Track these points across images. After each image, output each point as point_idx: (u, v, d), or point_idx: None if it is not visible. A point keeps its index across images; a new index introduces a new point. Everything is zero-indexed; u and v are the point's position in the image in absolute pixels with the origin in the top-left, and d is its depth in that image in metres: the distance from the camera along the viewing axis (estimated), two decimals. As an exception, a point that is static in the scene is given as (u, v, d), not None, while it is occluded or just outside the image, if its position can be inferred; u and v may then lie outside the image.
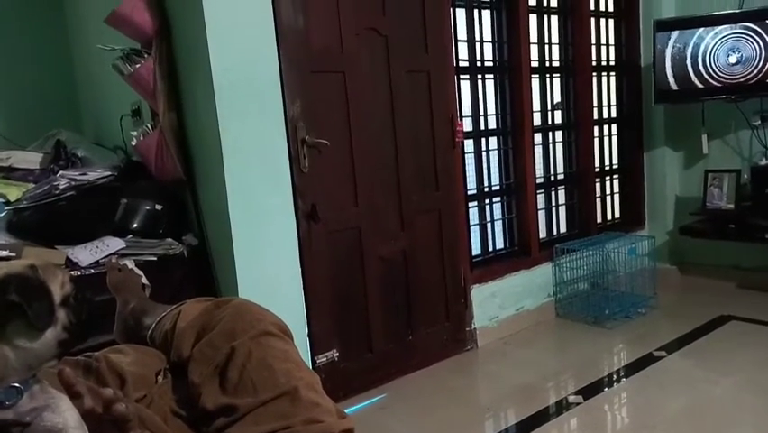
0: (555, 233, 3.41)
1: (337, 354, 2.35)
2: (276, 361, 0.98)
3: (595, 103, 3.52)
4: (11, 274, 0.79)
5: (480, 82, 2.99)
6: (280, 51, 2.12)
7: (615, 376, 2.52)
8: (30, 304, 0.78)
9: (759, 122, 3.30)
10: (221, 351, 1.00)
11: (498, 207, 3.13)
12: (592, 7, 3.44)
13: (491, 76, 3.05)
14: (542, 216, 3.30)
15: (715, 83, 3.22)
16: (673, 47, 3.28)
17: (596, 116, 3.54)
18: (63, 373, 0.77)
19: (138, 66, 2.12)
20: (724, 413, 2.12)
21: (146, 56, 2.13)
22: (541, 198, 3.30)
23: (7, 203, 2.24)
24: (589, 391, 2.35)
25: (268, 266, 2.13)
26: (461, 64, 2.87)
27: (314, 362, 2.28)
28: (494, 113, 3.08)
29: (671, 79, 3.31)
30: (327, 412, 0.95)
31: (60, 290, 0.82)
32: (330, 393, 1.04)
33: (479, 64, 2.98)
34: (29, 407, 0.77)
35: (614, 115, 3.71)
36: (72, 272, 1.86)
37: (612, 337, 2.89)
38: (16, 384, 0.77)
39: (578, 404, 2.25)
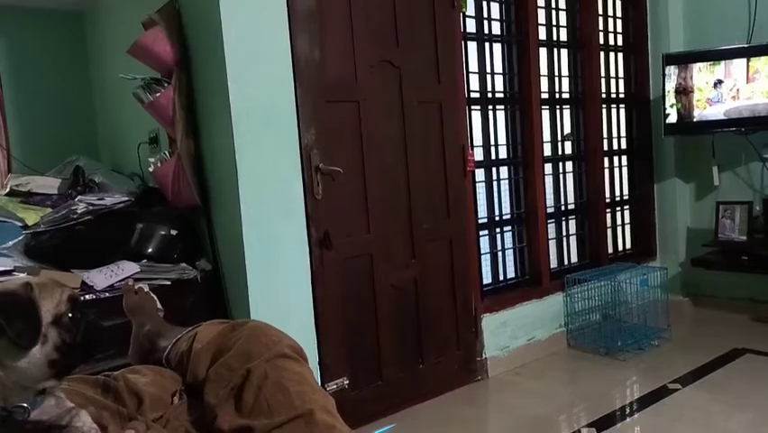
0: (566, 263, 3.40)
1: (347, 381, 2.34)
2: (291, 383, 0.99)
3: (605, 134, 3.55)
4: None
5: (490, 113, 3.04)
6: (296, 82, 2.17)
7: (628, 409, 2.48)
8: (10, 322, 0.77)
9: (769, 154, 3.31)
10: (237, 373, 1.01)
11: (508, 236, 3.13)
12: (602, 41, 3.50)
13: (502, 107, 3.09)
14: (553, 245, 3.30)
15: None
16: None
17: (606, 147, 3.56)
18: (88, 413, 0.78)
19: (158, 95, 2.18)
20: (741, 448, 2.08)
21: (166, 85, 2.19)
22: (552, 228, 3.30)
23: (25, 227, 2.28)
24: (603, 423, 2.31)
25: (280, 292, 2.15)
26: (473, 95, 2.92)
27: (324, 389, 2.26)
28: (505, 143, 3.11)
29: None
30: (342, 435, 0.95)
31: (54, 309, 0.82)
32: (340, 422, 1.04)
33: (490, 95, 3.03)
34: (56, 412, 0.78)
35: (624, 146, 3.73)
36: (82, 294, 1.88)
37: (625, 369, 2.85)
38: (24, 404, 0.78)
39: (591, 437, 2.22)
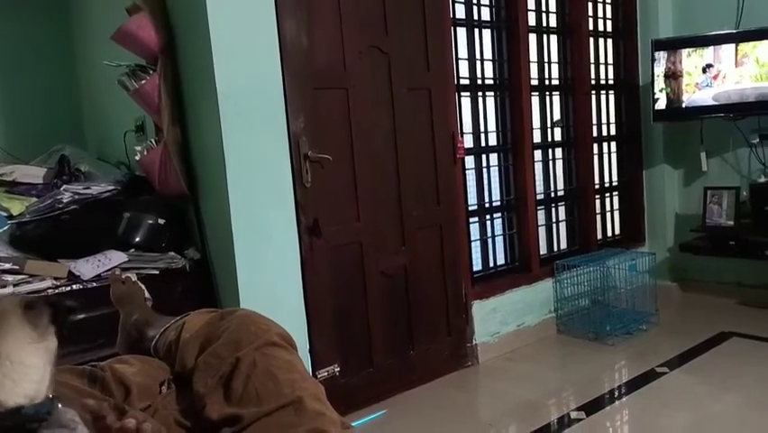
0: (556, 249, 3.42)
1: (338, 368, 2.34)
2: (280, 371, 0.99)
3: (594, 120, 3.55)
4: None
5: (480, 99, 3.02)
6: (284, 68, 2.15)
7: (617, 392, 2.51)
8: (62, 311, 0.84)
9: (757, 140, 3.33)
10: (226, 361, 1.00)
11: (498, 223, 3.14)
12: (591, 27, 3.49)
13: (492, 93, 3.08)
14: (542, 232, 3.31)
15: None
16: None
17: (595, 134, 3.57)
18: (88, 405, 0.77)
19: (143, 82, 2.15)
20: (727, 431, 2.11)
21: (151, 72, 2.16)
22: (541, 214, 3.31)
23: (10, 217, 2.25)
24: (592, 407, 2.33)
25: (269, 280, 2.14)
26: (462, 82, 2.90)
27: (314, 376, 2.27)
28: (494, 130, 3.10)
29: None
30: (332, 423, 0.95)
31: None
32: (330, 408, 1.04)
33: (479, 82, 3.01)
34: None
35: (613, 132, 3.74)
36: (69, 284, 1.88)
37: (614, 354, 2.88)
38: (51, 395, 0.78)
39: (580, 420, 2.24)
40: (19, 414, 0.71)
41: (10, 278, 1.82)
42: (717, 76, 3.22)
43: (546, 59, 3.32)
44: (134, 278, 1.53)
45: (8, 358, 0.80)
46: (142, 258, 2.07)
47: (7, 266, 1.86)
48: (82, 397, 0.91)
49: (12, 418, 0.69)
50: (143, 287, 1.52)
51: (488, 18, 3.03)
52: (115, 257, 2.01)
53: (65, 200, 2.13)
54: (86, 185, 2.27)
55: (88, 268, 1.95)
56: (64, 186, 2.27)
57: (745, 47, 3.15)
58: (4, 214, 2.27)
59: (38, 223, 2.13)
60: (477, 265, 3.01)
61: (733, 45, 3.18)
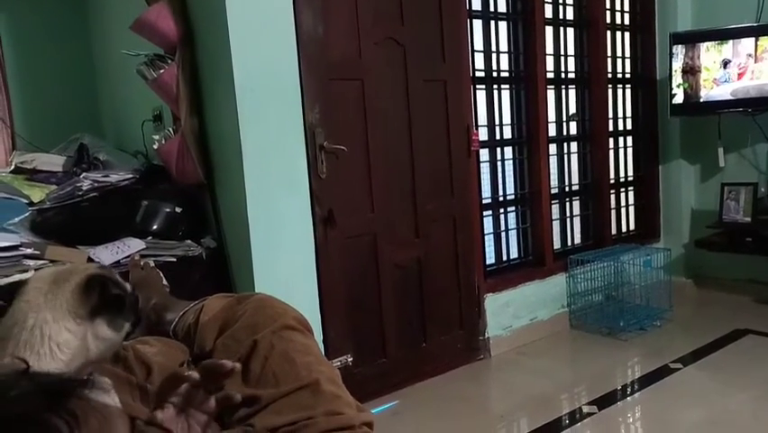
0: (570, 243, 3.40)
1: (351, 359, 2.36)
2: (297, 354, 1.00)
3: (610, 115, 3.53)
4: (101, 273, 0.88)
5: (495, 92, 3.02)
6: (300, 59, 2.16)
7: (630, 387, 2.50)
8: (126, 296, 0.90)
9: (776, 135, 3.29)
10: (243, 344, 1.01)
11: (512, 217, 3.14)
12: (608, 20, 3.46)
13: (507, 86, 3.07)
14: (556, 226, 3.30)
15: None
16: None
17: (611, 128, 3.54)
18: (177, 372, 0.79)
19: (162, 71, 2.17)
20: (740, 427, 2.10)
21: (170, 62, 2.18)
22: (555, 209, 3.30)
23: (31, 204, 2.29)
24: (604, 401, 2.33)
25: (284, 270, 2.16)
26: (478, 74, 2.90)
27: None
28: (509, 123, 3.09)
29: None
30: (347, 405, 0.96)
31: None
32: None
33: (495, 74, 3.00)
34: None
35: (629, 126, 3.71)
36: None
37: (627, 349, 2.87)
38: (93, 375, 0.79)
39: (592, 414, 2.24)
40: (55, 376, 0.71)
41: (31, 263, 1.85)
42: (744, 70, 3.17)
43: (563, 52, 3.30)
44: (152, 263, 1.55)
45: (39, 328, 0.81)
46: (160, 246, 2.09)
47: (29, 251, 1.90)
48: (105, 374, 0.93)
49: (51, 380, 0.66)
50: (160, 273, 1.54)
51: (504, 10, 3.02)
52: (134, 244, 2.04)
53: (84, 188, 2.17)
54: (105, 173, 2.30)
55: (107, 254, 1.98)
56: (83, 174, 2.30)
57: (765, 42, 3.11)
58: (25, 201, 2.30)
59: (58, 210, 2.16)
60: (490, 259, 3.01)
61: (752, 39, 3.14)
